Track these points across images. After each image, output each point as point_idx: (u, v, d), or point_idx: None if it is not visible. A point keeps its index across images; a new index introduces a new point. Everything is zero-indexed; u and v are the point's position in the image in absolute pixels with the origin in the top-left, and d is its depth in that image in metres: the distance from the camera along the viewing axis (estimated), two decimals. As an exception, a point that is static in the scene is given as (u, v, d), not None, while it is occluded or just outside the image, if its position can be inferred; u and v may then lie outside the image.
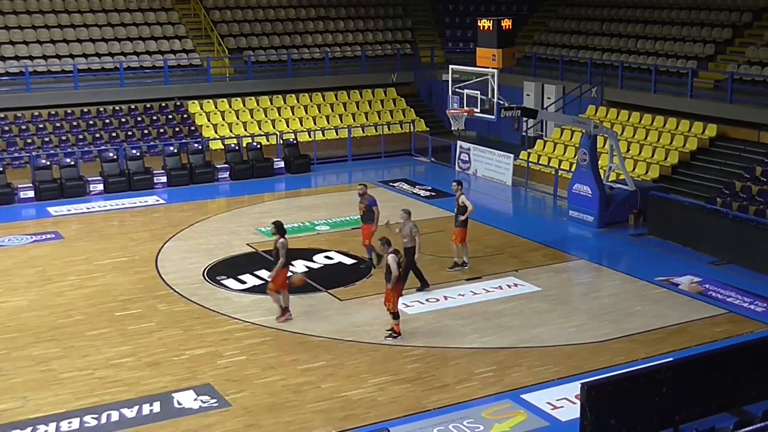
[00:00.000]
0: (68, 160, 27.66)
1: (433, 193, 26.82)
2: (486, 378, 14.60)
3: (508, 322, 17.02)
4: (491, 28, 22.11)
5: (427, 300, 18.04)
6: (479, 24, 22.47)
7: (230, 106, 32.60)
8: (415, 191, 27.20)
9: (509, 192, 27.80)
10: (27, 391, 14.10)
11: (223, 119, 32.08)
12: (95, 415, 13.29)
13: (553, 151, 29.15)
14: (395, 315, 16.08)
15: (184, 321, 17.07)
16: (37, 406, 13.60)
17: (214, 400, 13.79)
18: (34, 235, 22.82)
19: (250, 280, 19.18)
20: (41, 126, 29.83)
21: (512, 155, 28.59)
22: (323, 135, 32.27)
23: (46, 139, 29.34)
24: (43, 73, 30.81)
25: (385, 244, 16.01)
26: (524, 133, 31.62)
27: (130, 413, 13.39)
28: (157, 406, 13.59)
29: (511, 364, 15.13)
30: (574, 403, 13.11)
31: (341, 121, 33.32)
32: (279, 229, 16.75)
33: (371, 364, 15.13)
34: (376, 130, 33.06)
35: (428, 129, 33.83)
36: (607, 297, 18.51)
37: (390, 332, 16.12)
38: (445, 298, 18.18)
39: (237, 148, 29.90)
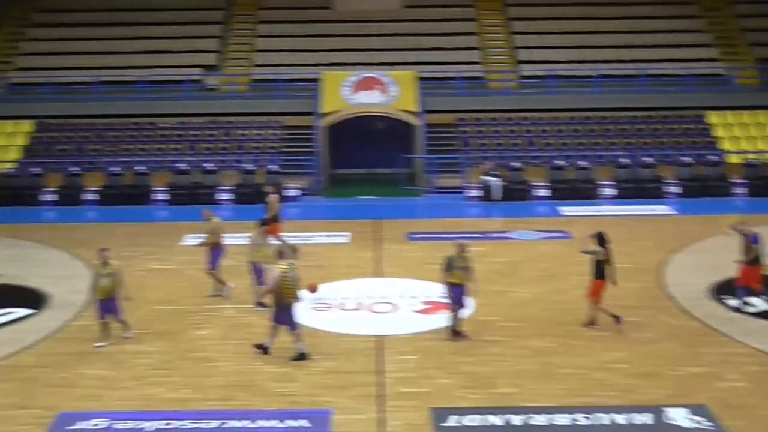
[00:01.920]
0: (582, 162, 28.38)
1: None
2: None
3: None
4: None
5: None
6: None
7: (754, 119, 30.92)
8: None
9: None
10: (524, 380, 14.64)
11: (745, 132, 30.53)
12: (587, 415, 13.37)
13: None
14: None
15: (682, 336, 16.50)
16: (533, 396, 14.05)
17: (711, 424, 13.09)
18: (544, 232, 23.76)
19: (761, 304, 17.97)
20: (560, 129, 30.95)
21: None
22: None
23: (564, 141, 30.38)
24: (567, 77, 31.91)
25: None
26: None
27: (621, 419, 13.24)
28: (648, 418, 13.27)
29: None
30: None
31: None
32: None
33: None
34: None
35: None
36: None
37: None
38: None
39: (758, 163, 28.32)
